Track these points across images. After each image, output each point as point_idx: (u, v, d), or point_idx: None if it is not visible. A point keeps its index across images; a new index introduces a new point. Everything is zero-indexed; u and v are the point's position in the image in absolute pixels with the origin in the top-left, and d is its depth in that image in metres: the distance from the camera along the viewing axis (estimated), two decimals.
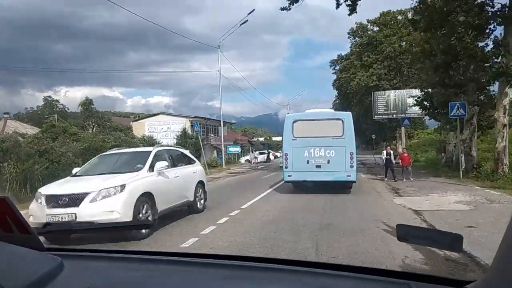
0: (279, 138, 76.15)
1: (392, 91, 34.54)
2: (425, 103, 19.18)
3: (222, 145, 31.06)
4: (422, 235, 1.17)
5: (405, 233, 1.14)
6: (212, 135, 39.77)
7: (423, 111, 19.69)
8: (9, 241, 1.06)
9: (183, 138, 35.03)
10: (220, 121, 32.93)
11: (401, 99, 33.16)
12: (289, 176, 12.35)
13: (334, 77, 53.94)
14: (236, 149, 37.87)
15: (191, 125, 37.08)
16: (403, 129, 34.36)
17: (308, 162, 12.00)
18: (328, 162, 11.88)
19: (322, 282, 1.12)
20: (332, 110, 17.25)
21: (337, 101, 68.35)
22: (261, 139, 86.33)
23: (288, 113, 15.04)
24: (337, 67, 50.39)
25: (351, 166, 11.75)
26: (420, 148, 46.37)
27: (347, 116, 12.53)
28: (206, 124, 38.57)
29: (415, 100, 19.72)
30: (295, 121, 12.56)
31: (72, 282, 1.06)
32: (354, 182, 12.17)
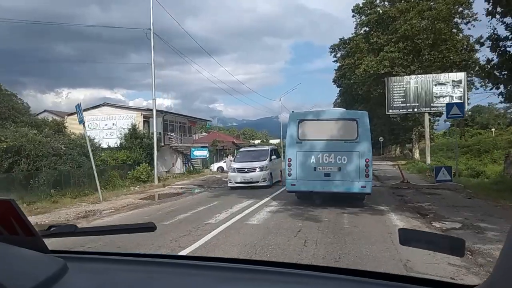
0: (276, 141, 67.81)
1: (413, 76, 25.46)
2: (496, 72, 10.33)
3: (155, 148, 21.33)
4: (424, 239, 1.15)
5: (407, 237, 1.14)
6: (172, 134, 30.37)
7: (496, 86, 10.65)
8: (14, 243, 1.07)
9: (131, 138, 25.98)
10: (199, 118, 23.52)
11: (425, 87, 24.16)
12: (292, 185, 11.05)
13: (336, 70, 45.16)
14: (202, 153, 28.51)
15: (144, 121, 28.08)
16: (427, 128, 25.25)
17: (315, 169, 10.68)
18: (339, 170, 10.54)
19: (323, 285, 1.14)
20: (344, 109, 14.06)
21: (339, 100, 59.61)
22: (257, 141, 78.70)
23: (292, 111, 12.79)
24: (338, 54, 41.42)
25: (367, 176, 10.28)
26: (443, 154, 37.18)
27: (363, 116, 10.87)
28: (165, 119, 29.32)
29: (479, 69, 10.94)
30: (300, 120, 11.14)
31: (76, 284, 1.07)
32: (369, 194, 10.67)
